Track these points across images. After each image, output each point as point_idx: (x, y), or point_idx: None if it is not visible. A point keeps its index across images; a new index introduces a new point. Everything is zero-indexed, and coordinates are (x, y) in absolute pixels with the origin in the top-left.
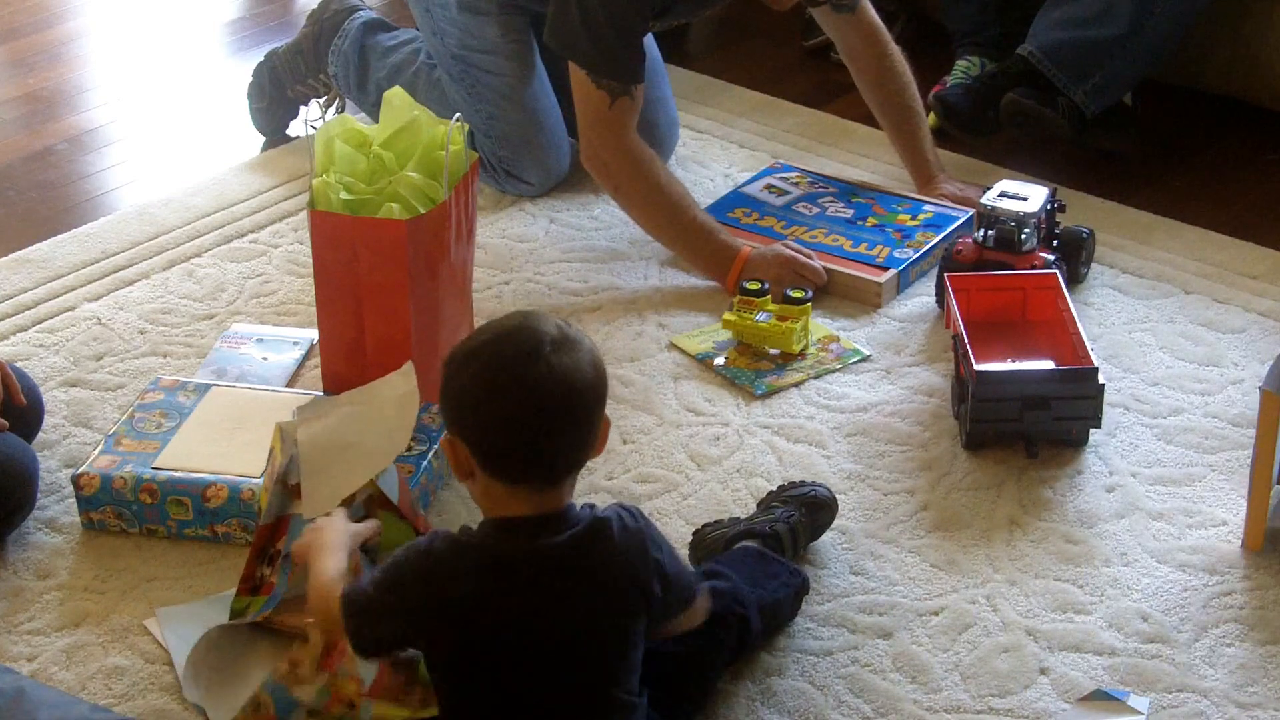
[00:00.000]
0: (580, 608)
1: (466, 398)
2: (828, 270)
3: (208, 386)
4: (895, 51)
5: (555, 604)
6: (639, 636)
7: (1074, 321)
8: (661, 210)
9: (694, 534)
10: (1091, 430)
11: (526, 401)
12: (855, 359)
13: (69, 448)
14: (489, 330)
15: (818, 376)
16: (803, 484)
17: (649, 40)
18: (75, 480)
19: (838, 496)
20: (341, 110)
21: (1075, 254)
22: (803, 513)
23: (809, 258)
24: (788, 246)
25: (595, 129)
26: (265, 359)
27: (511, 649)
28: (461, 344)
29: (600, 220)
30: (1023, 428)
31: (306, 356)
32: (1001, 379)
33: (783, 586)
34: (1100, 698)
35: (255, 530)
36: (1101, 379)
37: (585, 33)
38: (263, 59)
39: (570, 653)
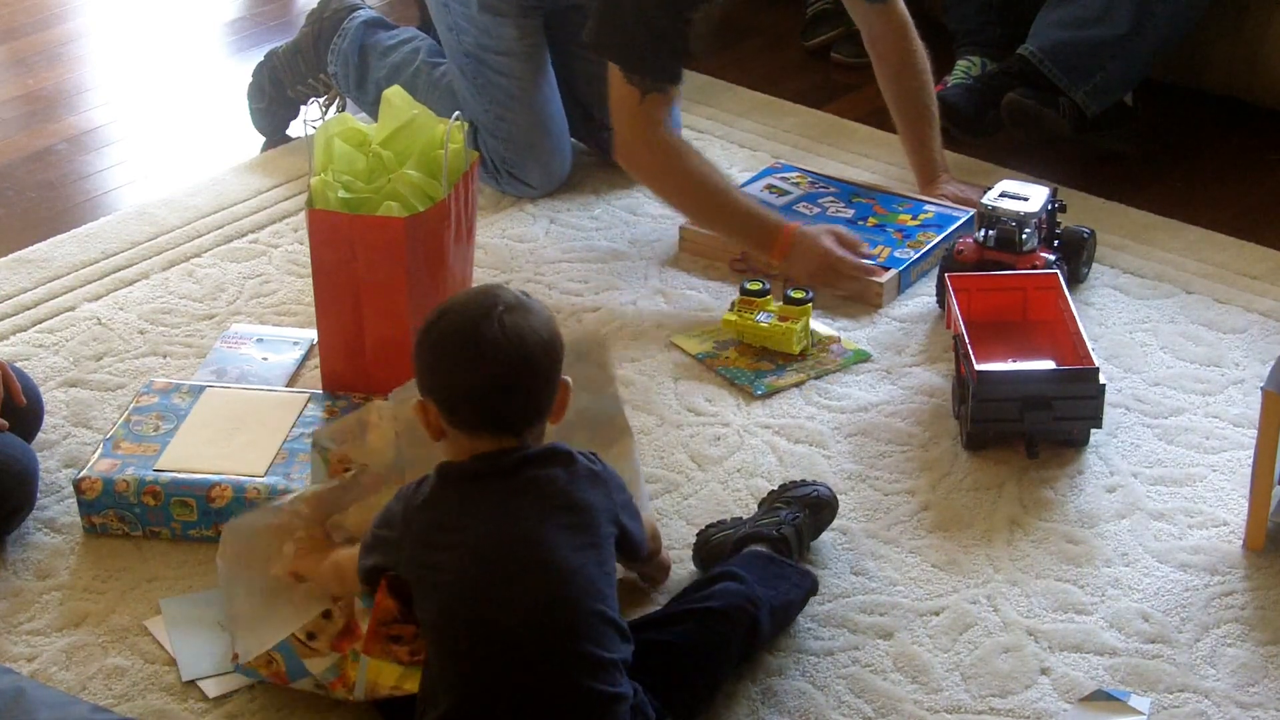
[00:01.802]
0: (547, 510)
1: (430, 358)
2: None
3: (202, 388)
4: (920, 49)
5: (520, 509)
6: (611, 544)
7: (1074, 321)
8: (696, 200)
9: (697, 535)
10: (1092, 430)
11: (480, 357)
12: (856, 359)
13: (69, 448)
14: (452, 299)
15: (818, 377)
16: (804, 483)
17: None
18: (77, 485)
19: (839, 496)
20: (342, 110)
21: (1076, 254)
22: (806, 514)
23: (856, 246)
24: (839, 238)
25: (626, 123)
26: (265, 359)
27: (485, 560)
28: (429, 313)
29: (600, 220)
30: (1024, 428)
31: (306, 356)
32: (1002, 379)
33: (794, 589)
34: (1101, 698)
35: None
36: (1102, 379)
37: (620, 31)
38: (263, 59)
39: (543, 558)
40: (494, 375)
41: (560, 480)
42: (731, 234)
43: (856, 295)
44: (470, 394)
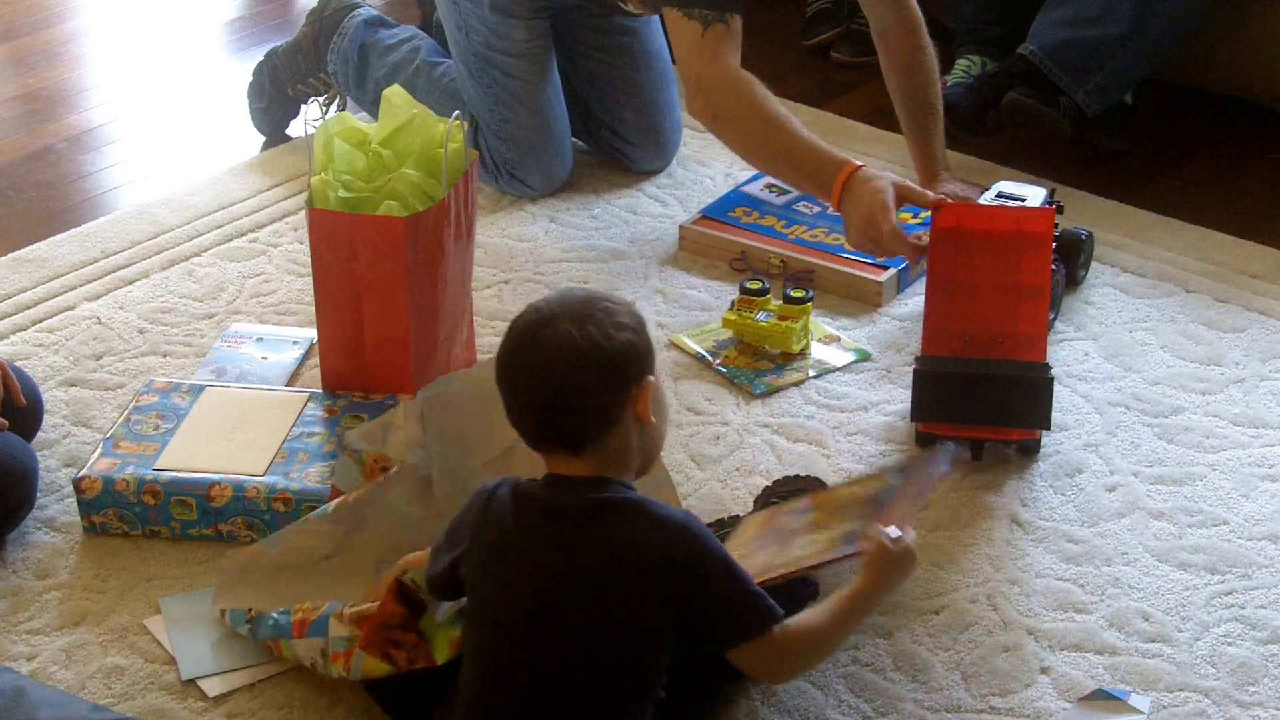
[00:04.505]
0: (588, 568)
1: (496, 378)
2: (826, 270)
3: (202, 387)
4: (929, 45)
5: (566, 554)
6: (650, 633)
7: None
8: (761, 137)
9: None
10: (1092, 430)
11: (512, 381)
12: (856, 358)
13: (69, 447)
14: (532, 305)
15: (818, 376)
16: (797, 478)
17: (659, 41)
18: (76, 484)
19: None
20: (342, 109)
21: (1074, 256)
22: None
23: (919, 201)
24: (897, 193)
25: (691, 60)
26: (265, 358)
27: (524, 588)
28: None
29: (600, 220)
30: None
31: (306, 356)
32: (944, 365)
33: (789, 599)
34: (1101, 697)
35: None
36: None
37: None
38: (263, 58)
39: (572, 613)
40: (524, 399)
41: (628, 533)
42: (793, 178)
43: (899, 254)
44: (512, 414)
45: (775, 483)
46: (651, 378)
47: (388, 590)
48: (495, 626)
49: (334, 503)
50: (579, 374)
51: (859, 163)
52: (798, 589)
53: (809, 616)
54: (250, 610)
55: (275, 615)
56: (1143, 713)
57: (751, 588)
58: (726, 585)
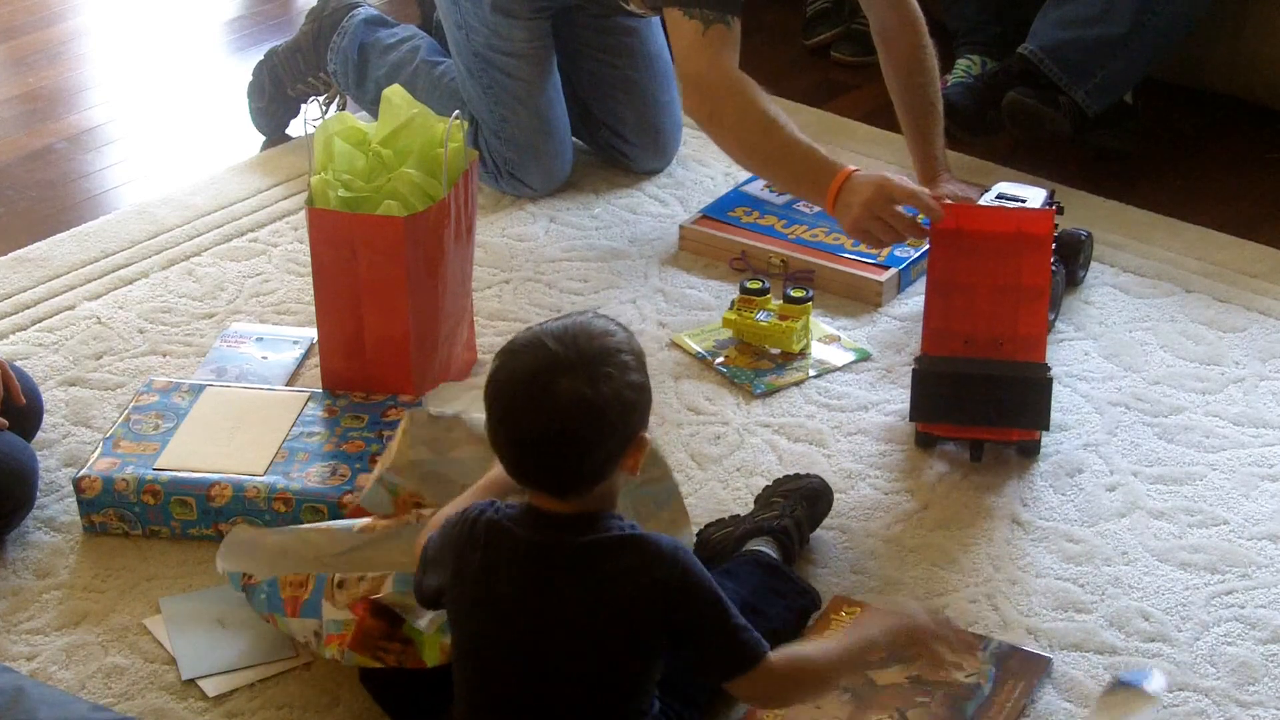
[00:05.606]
0: (580, 611)
1: (486, 403)
2: (826, 269)
3: (202, 387)
4: (929, 44)
5: (555, 599)
6: (644, 660)
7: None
8: (758, 136)
9: (697, 534)
10: (1092, 430)
11: (509, 424)
12: (855, 358)
13: (68, 447)
14: (527, 338)
15: (818, 376)
16: (797, 476)
17: (659, 41)
18: (76, 484)
19: (839, 495)
20: (342, 108)
21: (1073, 256)
22: (803, 505)
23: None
24: (897, 187)
25: (690, 59)
26: (265, 358)
27: (512, 633)
28: (513, 340)
29: (600, 220)
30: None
31: (306, 355)
32: (942, 365)
33: (787, 610)
34: (1118, 688)
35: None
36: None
37: None
38: (263, 58)
39: (564, 654)
40: (522, 443)
41: (620, 572)
42: (788, 178)
43: (908, 231)
44: (500, 445)
45: (776, 482)
46: (646, 434)
47: (362, 609)
48: (484, 666)
49: (361, 521)
50: (587, 436)
51: (855, 168)
52: (795, 599)
53: (809, 650)
54: (245, 576)
55: (265, 587)
56: (1159, 694)
57: (739, 622)
58: (716, 621)
